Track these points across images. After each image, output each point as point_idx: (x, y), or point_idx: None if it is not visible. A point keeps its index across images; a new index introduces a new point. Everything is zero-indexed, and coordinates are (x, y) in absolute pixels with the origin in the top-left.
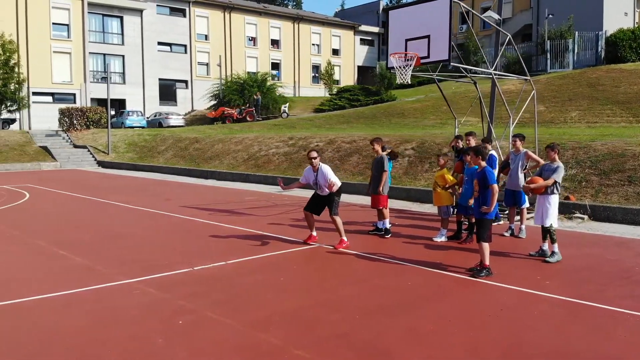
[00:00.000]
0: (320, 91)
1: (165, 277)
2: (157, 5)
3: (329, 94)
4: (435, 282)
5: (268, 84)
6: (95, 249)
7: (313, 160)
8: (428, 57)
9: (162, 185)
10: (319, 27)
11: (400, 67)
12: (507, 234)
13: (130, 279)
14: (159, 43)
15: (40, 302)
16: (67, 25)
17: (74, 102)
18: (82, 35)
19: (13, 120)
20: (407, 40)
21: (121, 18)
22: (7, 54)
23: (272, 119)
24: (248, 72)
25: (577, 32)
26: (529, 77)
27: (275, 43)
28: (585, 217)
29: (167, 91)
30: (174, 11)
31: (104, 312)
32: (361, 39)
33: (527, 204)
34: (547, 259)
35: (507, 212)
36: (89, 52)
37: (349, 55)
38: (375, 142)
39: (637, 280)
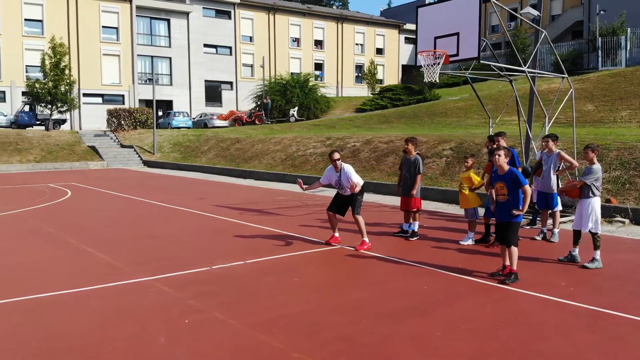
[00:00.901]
0: (363, 91)
1: (182, 276)
2: (203, 7)
3: (371, 94)
4: (453, 287)
5: (310, 84)
6: (121, 247)
7: (336, 162)
8: (457, 54)
9: (200, 184)
10: (363, 27)
11: (428, 66)
12: (538, 238)
13: (148, 277)
14: (205, 45)
15: (53, 299)
16: (116, 28)
17: (123, 103)
18: (130, 38)
19: (64, 121)
20: (435, 38)
21: (168, 21)
22: (58, 57)
23: (284, 122)
24: (291, 73)
25: (629, 29)
26: (566, 75)
27: (318, 43)
28: (627, 221)
29: (213, 92)
30: (220, 13)
31: (114, 309)
32: (406, 38)
33: (559, 207)
34: (586, 264)
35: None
36: (137, 55)
37: (393, 54)
38: (410, 142)
39: None
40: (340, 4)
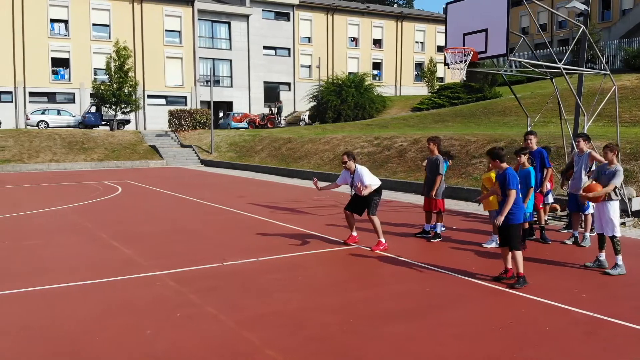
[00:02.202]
0: (422, 90)
1: (192, 271)
2: (263, 10)
3: (429, 92)
4: (457, 290)
5: (366, 84)
6: (146, 242)
7: (345, 163)
8: (485, 51)
9: (246, 183)
10: (423, 25)
11: (455, 63)
12: (569, 242)
13: (160, 271)
14: (264, 47)
15: (65, 290)
16: (179, 31)
17: (185, 105)
18: (192, 41)
19: (128, 121)
20: (464, 34)
21: (229, 24)
22: (122, 60)
23: (296, 125)
24: (349, 73)
25: None
26: (608, 72)
27: (377, 43)
28: None
29: (271, 93)
30: (279, 15)
31: (117, 301)
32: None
33: (591, 210)
34: (608, 270)
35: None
36: (199, 57)
37: None
38: (431, 142)
39: None
40: (405, 2)
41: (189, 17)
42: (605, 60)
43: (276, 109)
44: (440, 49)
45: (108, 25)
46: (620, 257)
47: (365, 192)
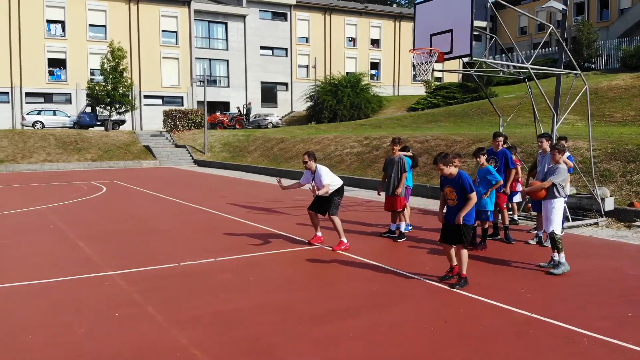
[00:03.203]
0: (420, 90)
1: (146, 271)
2: (260, 10)
3: (425, 92)
4: (403, 289)
5: (362, 84)
6: (112, 242)
7: (305, 163)
8: (451, 52)
9: (232, 183)
10: None
11: (422, 64)
12: (532, 242)
13: (114, 271)
14: (261, 47)
15: (14, 289)
16: (175, 32)
17: (182, 105)
18: (188, 41)
19: (123, 122)
20: (431, 35)
21: (225, 24)
22: (116, 60)
23: (264, 128)
24: (347, 73)
25: None
26: (579, 72)
27: (375, 42)
28: None
29: (268, 93)
30: (276, 15)
31: (63, 300)
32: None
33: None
34: (552, 270)
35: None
36: (196, 58)
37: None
38: (393, 143)
39: (634, 300)
40: (407, 2)
41: (185, 17)
42: (602, 60)
43: (245, 110)
44: None
45: (104, 26)
46: (562, 255)
47: (320, 192)
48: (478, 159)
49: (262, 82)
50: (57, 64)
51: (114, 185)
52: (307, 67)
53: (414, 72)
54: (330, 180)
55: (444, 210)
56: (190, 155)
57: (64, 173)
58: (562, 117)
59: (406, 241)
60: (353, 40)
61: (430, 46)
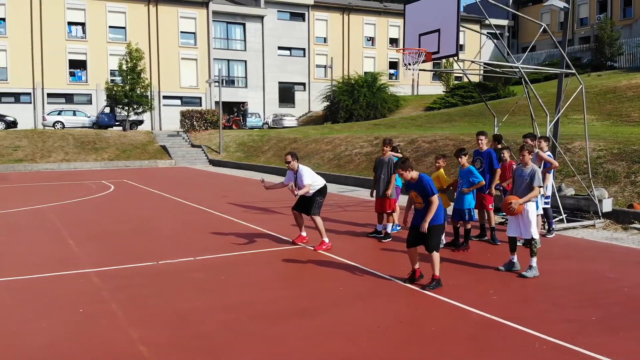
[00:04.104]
0: (440, 89)
1: (123, 269)
2: (278, 11)
3: (443, 92)
4: (371, 290)
5: (379, 83)
6: (102, 241)
7: (288, 164)
8: (438, 52)
9: (243, 183)
10: None
11: (412, 64)
12: (519, 244)
13: (93, 269)
14: (279, 47)
15: None
16: (194, 33)
17: (200, 105)
18: (207, 42)
19: (141, 122)
20: (420, 35)
21: (243, 25)
22: (134, 61)
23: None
24: (365, 73)
25: None
26: (574, 71)
27: (394, 42)
28: None
29: (286, 94)
30: (294, 16)
31: (35, 296)
32: (488, 33)
33: (540, 211)
34: (524, 273)
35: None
36: (214, 58)
37: (474, 50)
38: (383, 144)
39: (602, 304)
40: None
41: (203, 18)
42: (624, 58)
43: (242, 111)
44: (460, 47)
45: (124, 28)
46: (535, 260)
47: (299, 193)
48: (459, 160)
49: (279, 83)
50: (77, 65)
51: (123, 184)
52: (325, 67)
53: (405, 68)
54: (312, 181)
55: (412, 213)
56: (206, 155)
57: (79, 172)
58: (556, 117)
59: (391, 242)
60: (372, 39)
61: (419, 46)
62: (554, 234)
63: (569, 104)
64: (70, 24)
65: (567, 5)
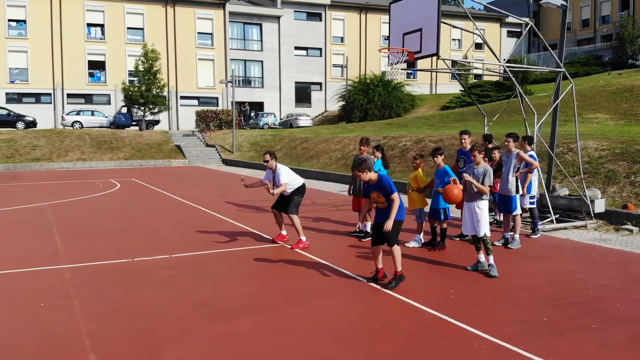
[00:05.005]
0: (457, 88)
1: (97, 265)
2: (295, 11)
3: (459, 91)
4: (332, 288)
5: (394, 82)
6: (89, 239)
7: (266, 163)
8: (420, 51)
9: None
10: (460, 21)
11: (396, 63)
12: (498, 244)
13: (68, 265)
14: (296, 47)
15: None
16: (211, 34)
17: (217, 105)
18: (223, 42)
19: (157, 122)
20: (404, 34)
21: (260, 25)
22: (150, 62)
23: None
24: (382, 72)
25: None
26: (562, 69)
27: None
28: (636, 229)
29: (303, 93)
30: (311, 16)
31: (2, 291)
32: (508, 31)
33: (518, 211)
34: (490, 273)
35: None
36: (230, 59)
37: (494, 48)
38: (360, 144)
39: (561, 305)
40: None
41: (220, 19)
42: None
43: (242, 111)
44: (478, 46)
45: (142, 29)
46: (492, 258)
47: (275, 192)
48: (435, 159)
49: (296, 82)
50: (96, 66)
51: (130, 183)
52: (341, 66)
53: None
54: (289, 180)
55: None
56: (219, 155)
57: (92, 171)
58: (543, 118)
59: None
60: (389, 38)
61: (403, 45)
62: (539, 235)
63: (593, 104)
64: (89, 25)
65: (564, 3)
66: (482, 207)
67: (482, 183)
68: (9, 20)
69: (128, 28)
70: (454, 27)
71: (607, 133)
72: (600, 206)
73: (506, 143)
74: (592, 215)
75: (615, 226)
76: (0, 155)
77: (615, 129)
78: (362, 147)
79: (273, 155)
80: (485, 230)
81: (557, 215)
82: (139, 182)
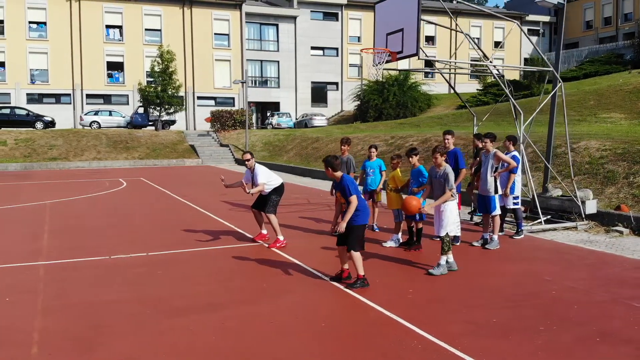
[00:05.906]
0: (476, 87)
1: (73, 262)
2: (311, 11)
3: (476, 90)
4: (292, 287)
5: (410, 82)
6: (76, 236)
7: (246, 162)
8: (402, 51)
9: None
10: (479, 20)
11: (378, 64)
12: (476, 244)
13: (46, 262)
14: (312, 47)
15: None
16: (227, 35)
17: (233, 106)
18: (240, 43)
19: (173, 122)
20: (387, 34)
21: (276, 26)
22: (165, 63)
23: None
24: (399, 71)
25: None
26: (551, 68)
27: (429, 39)
28: (627, 230)
29: (319, 93)
30: (327, 15)
31: None
32: (529, 30)
33: (498, 211)
34: (431, 271)
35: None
36: (247, 59)
37: (514, 47)
38: (346, 144)
39: (518, 306)
40: None
41: (236, 20)
42: None
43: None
44: (496, 44)
45: (159, 30)
46: (444, 258)
47: (251, 191)
48: (410, 159)
49: (312, 82)
50: (115, 67)
51: (137, 182)
52: (358, 66)
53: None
54: (267, 180)
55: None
56: (232, 155)
57: (106, 170)
58: (531, 117)
59: None
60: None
61: (386, 45)
62: (522, 235)
63: (609, 102)
64: (108, 27)
65: (561, 1)
66: (447, 207)
67: (445, 185)
68: (30, 22)
69: (146, 29)
70: (437, 25)
71: (614, 133)
72: (591, 207)
73: (483, 143)
74: (584, 216)
75: (606, 227)
76: (18, 154)
77: (626, 129)
78: (342, 147)
79: (252, 155)
80: (447, 230)
81: (549, 216)
82: (146, 181)
